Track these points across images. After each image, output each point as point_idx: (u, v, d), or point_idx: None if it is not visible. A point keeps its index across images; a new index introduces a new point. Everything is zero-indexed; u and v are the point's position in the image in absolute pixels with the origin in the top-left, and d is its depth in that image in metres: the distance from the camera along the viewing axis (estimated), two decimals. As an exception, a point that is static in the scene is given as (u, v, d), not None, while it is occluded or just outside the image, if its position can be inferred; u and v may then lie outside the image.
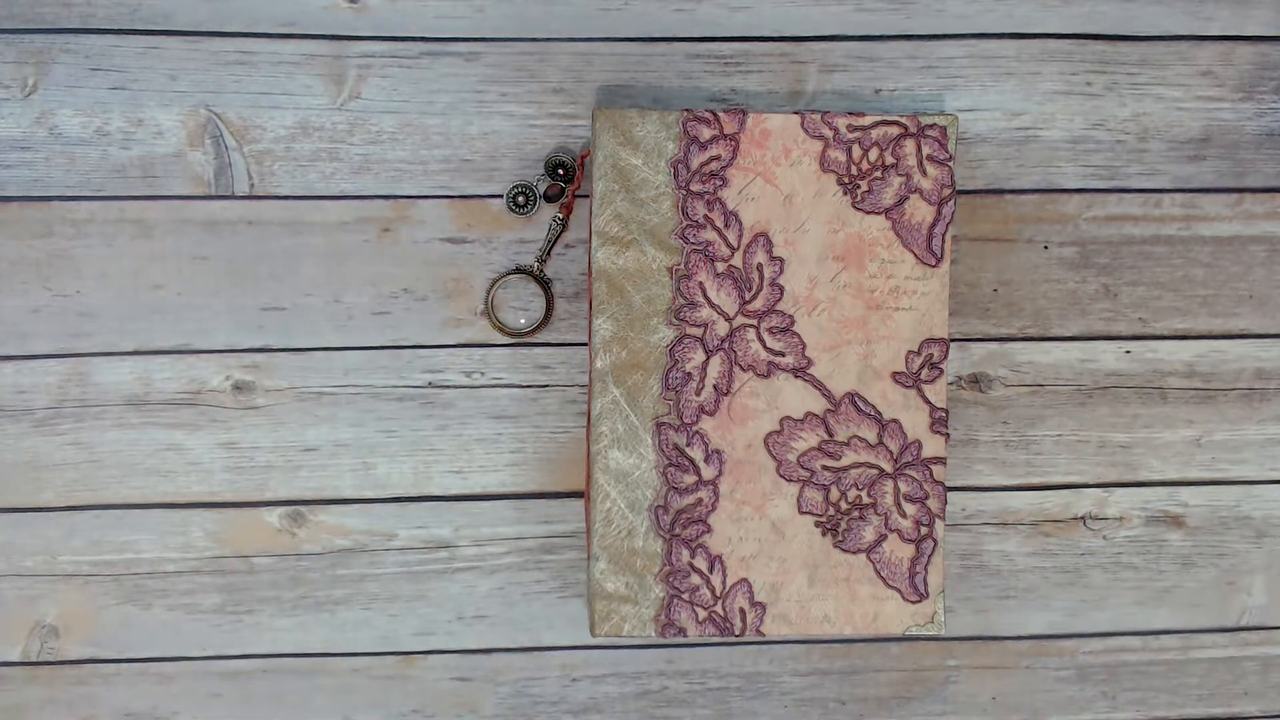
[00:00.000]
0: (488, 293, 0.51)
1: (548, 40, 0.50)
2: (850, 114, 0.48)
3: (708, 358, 0.49)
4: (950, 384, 0.52)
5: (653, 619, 0.49)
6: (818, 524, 0.49)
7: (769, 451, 0.49)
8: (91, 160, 0.50)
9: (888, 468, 0.49)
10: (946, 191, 0.49)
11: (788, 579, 0.49)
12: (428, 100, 0.50)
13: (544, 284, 0.51)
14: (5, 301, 0.50)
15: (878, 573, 0.49)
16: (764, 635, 0.49)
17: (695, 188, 0.48)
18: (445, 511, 0.51)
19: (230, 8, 0.50)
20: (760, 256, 0.48)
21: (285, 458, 0.51)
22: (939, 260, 0.49)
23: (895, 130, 0.48)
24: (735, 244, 0.48)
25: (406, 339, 0.51)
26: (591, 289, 0.48)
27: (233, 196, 0.50)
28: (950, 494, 0.53)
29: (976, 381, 0.53)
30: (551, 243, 0.51)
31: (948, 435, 0.50)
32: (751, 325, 0.49)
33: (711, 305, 0.48)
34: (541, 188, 0.51)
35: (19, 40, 0.49)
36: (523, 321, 0.51)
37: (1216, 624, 0.54)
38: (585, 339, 0.51)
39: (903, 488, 0.49)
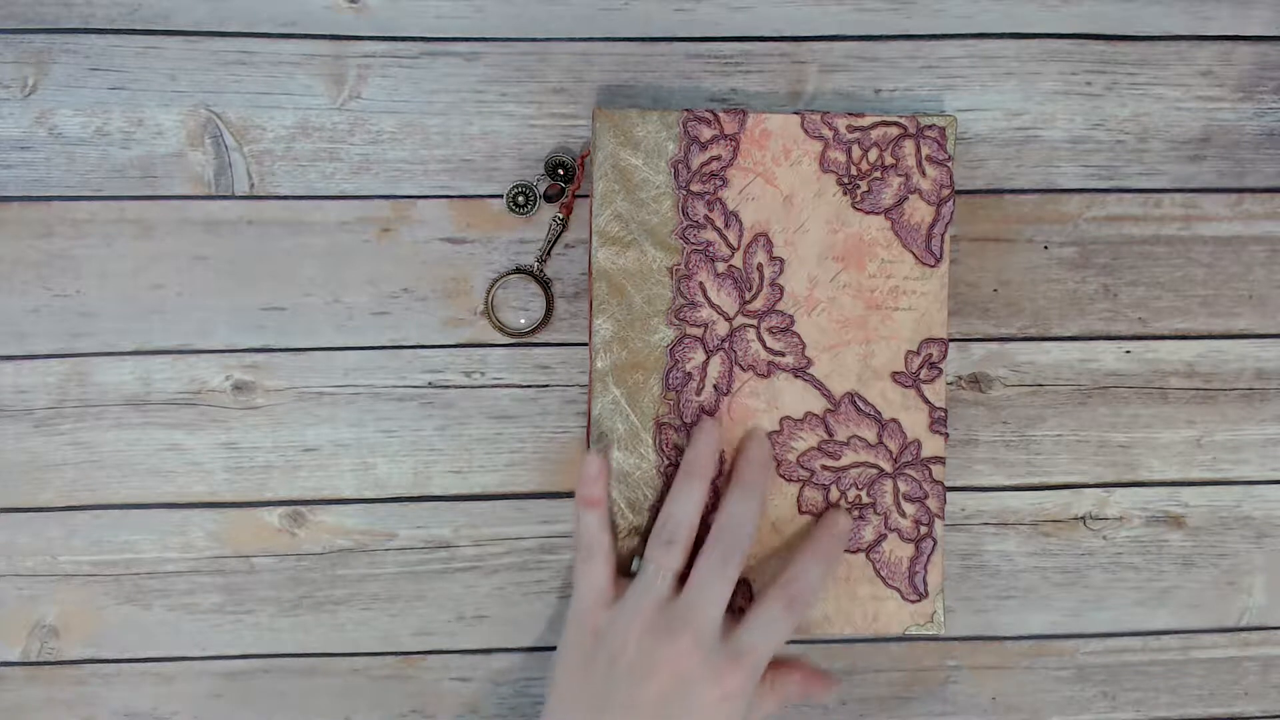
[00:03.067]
0: (488, 293, 0.51)
1: (548, 40, 0.50)
2: (850, 114, 0.48)
3: (708, 358, 0.49)
4: (950, 384, 0.52)
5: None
6: (818, 524, 0.49)
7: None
8: (91, 160, 0.50)
9: (887, 467, 0.49)
10: (946, 192, 0.49)
11: (788, 579, 0.49)
12: (428, 100, 0.50)
13: (544, 284, 0.51)
14: (5, 301, 0.50)
15: (877, 572, 0.49)
16: (764, 635, 0.49)
17: (695, 188, 0.48)
18: (445, 511, 0.51)
19: (230, 8, 0.50)
20: (760, 256, 0.48)
21: (285, 458, 0.51)
22: (939, 260, 0.49)
23: (895, 130, 0.48)
24: (735, 244, 0.48)
25: (406, 339, 0.51)
26: (591, 289, 0.48)
27: (233, 196, 0.50)
28: (950, 494, 0.53)
29: (976, 381, 0.53)
30: (551, 243, 0.51)
31: (947, 435, 0.50)
32: (751, 325, 0.49)
33: (711, 305, 0.48)
34: (541, 188, 0.51)
35: (19, 40, 0.49)
36: (523, 321, 0.51)
37: (1217, 624, 0.54)
38: (585, 339, 0.51)
39: (902, 487, 0.49)
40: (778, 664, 0.47)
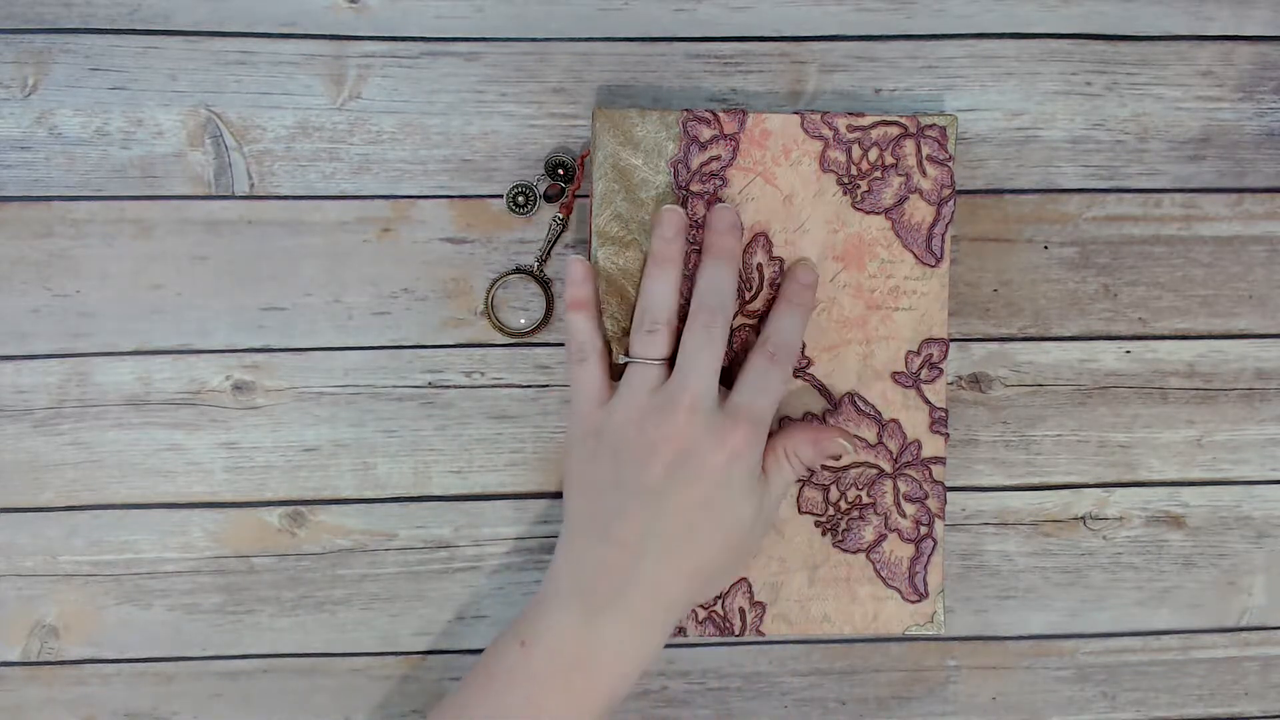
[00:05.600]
0: (488, 293, 0.51)
1: (548, 40, 0.50)
2: (850, 114, 0.48)
3: (708, 358, 0.48)
4: (950, 384, 0.52)
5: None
6: (817, 523, 0.49)
7: (769, 451, 0.49)
8: (91, 160, 0.50)
9: (887, 467, 0.49)
10: (946, 191, 0.49)
11: (787, 579, 0.49)
12: (428, 100, 0.50)
13: (544, 284, 0.51)
14: (5, 301, 0.50)
15: (877, 572, 0.49)
16: (764, 635, 0.49)
17: (695, 188, 0.48)
18: (445, 511, 0.51)
19: (230, 8, 0.50)
20: (760, 256, 0.48)
21: (285, 458, 0.51)
22: (939, 260, 0.49)
23: (895, 130, 0.48)
24: (735, 244, 0.48)
25: (406, 339, 0.51)
26: (591, 289, 0.48)
27: (233, 196, 0.50)
28: (950, 494, 0.53)
29: (976, 381, 0.53)
30: (551, 243, 0.51)
31: (947, 435, 0.50)
32: (751, 325, 0.49)
33: (711, 305, 0.48)
34: (541, 188, 0.51)
35: (19, 40, 0.49)
36: (523, 321, 0.51)
37: (1217, 624, 0.54)
38: (585, 339, 0.51)
39: (902, 487, 0.49)
40: (786, 431, 0.47)
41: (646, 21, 0.51)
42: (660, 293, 0.46)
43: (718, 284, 0.46)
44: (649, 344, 0.45)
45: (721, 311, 0.45)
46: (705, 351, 0.45)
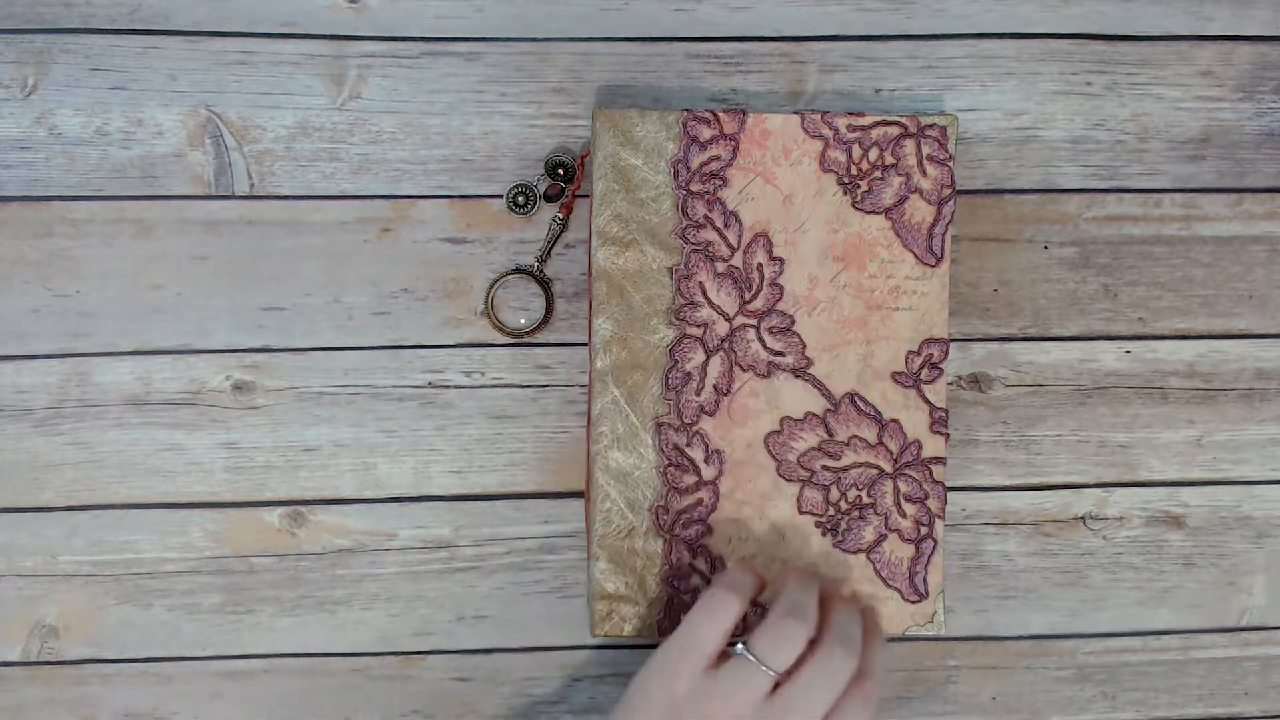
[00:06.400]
0: (488, 293, 0.51)
1: (548, 40, 0.50)
2: (850, 114, 0.48)
3: (708, 358, 0.49)
4: (950, 384, 0.52)
5: (653, 619, 0.49)
6: (818, 524, 0.49)
7: (769, 451, 0.49)
8: (91, 160, 0.50)
9: (888, 468, 0.49)
10: (946, 191, 0.49)
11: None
12: (428, 100, 0.50)
13: (544, 284, 0.51)
14: (5, 301, 0.50)
15: (878, 573, 0.49)
16: (764, 635, 0.49)
17: (695, 188, 0.48)
18: (445, 511, 0.51)
19: (230, 8, 0.50)
20: (760, 256, 0.48)
21: (285, 458, 0.51)
22: (939, 260, 0.49)
23: (895, 130, 0.48)
24: (735, 244, 0.48)
25: (406, 339, 0.51)
26: (591, 289, 0.48)
27: (233, 196, 0.50)
28: (950, 494, 0.53)
29: (976, 381, 0.53)
30: (551, 243, 0.51)
31: (948, 435, 0.50)
32: (751, 325, 0.49)
33: (711, 305, 0.48)
34: (541, 188, 0.51)
35: (19, 40, 0.49)
36: (523, 321, 0.51)
37: (1217, 624, 0.54)
38: (585, 339, 0.51)
39: (903, 488, 0.49)
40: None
41: (646, 21, 0.51)
42: (805, 608, 0.43)
43: (850, 630, 0.43)
44: (774, 653, 0.42)
45: (852, 659, 0.43)
46: (821, 690, 0.42)
